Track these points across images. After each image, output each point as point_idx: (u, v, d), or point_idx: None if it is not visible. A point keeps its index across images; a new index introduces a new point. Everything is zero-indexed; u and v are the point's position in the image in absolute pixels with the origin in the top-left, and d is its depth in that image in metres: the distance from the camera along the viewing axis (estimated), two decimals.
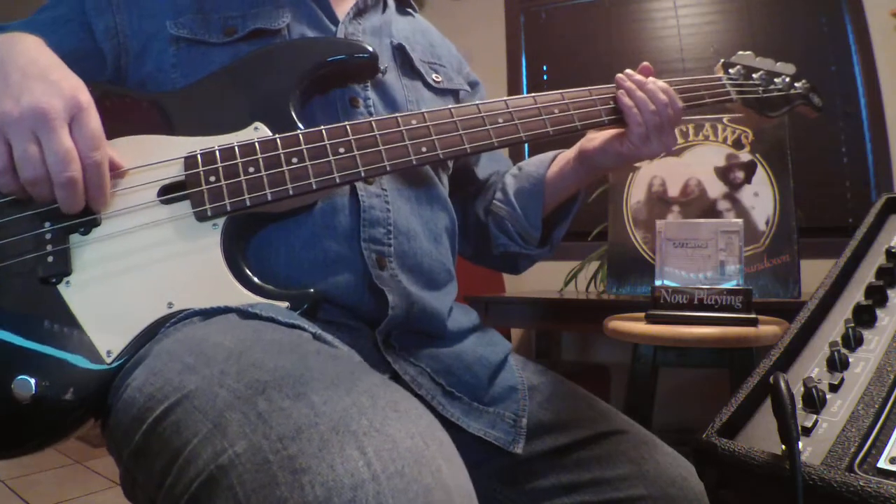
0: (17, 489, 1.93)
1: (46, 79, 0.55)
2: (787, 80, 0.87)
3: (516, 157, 0.87)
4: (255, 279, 0.58)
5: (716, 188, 1.31)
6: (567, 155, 0.83)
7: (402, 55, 0.77)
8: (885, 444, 0.37)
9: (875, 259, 0.54)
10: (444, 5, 2.76)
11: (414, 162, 0.63)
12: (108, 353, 0.53)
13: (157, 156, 0.60)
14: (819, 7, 2.20)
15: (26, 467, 2.10)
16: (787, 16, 2.25)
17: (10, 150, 0.53)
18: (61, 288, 0.55)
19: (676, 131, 0.80)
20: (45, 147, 0.53)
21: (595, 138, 0.79)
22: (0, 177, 0.54)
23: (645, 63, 0.78)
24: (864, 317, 0.48)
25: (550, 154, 0.85)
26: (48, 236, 0.56)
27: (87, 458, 2.22)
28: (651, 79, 0.76)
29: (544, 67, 2.66)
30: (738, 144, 1.31)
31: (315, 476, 0.35)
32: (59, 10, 0.68)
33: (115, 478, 2.01)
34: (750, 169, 1.29)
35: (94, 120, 0.55)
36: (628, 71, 0.77)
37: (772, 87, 0.86)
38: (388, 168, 0.62)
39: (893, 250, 0.53)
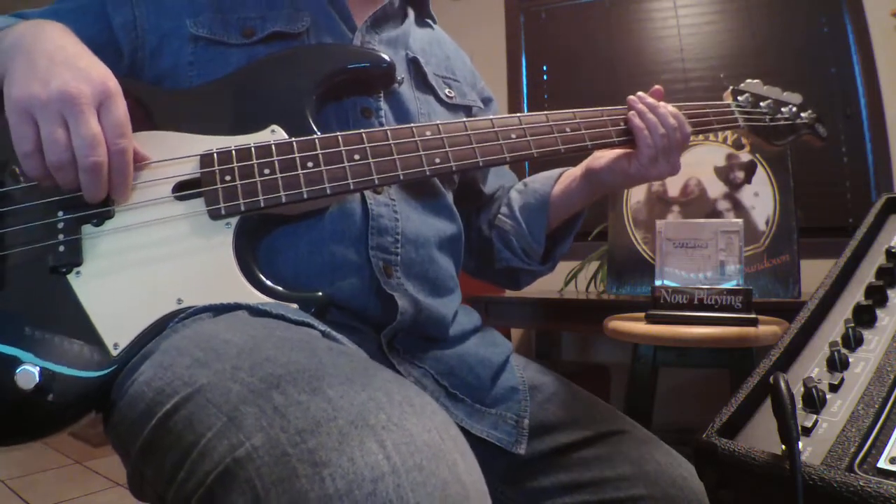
0: (17, 489, 1.93)
1: (75, 65, 0.55)
2: (794, 109, 0.89)
3: (517, 173, 0.88)
4: (266, 280, 0.59)
5: (716, 188, 1.31)
6: (573, 173, 0.84)
7: (416, 69, 0.77)
8: (885, 444, 0.37)
9: (875, 259, 0.54)
10: (444, 5, 2.76)
11: (427, 172, 0.63)
12: (115, 345, 0.53)
13: (173, 152, 0.60)
14: (819, 7, 2.20)
15: (26, 467, 2.10)
16: (787, 16, 2.25)
17: (38, 133, 0.53)
18: (71, 278, 0.55)
19: None
20: (73, 131, 0.53)
21: (602, 157, 0.80)
22: (28, 159, 0.54)
23: (657, 87, 0.80)
24: (864, 317, 0.48)
25: (556, 171, 0.86)
26: (60, 225, 0.56)
27: (87, 458, 2.22)
28: (662, 103, 0.77)
29: (544, 67, 2.66)
30: (738, 144, 1.31)
31: (336, 469, 0.35)
32: (79, 0, 0.67)
33: (115, 478, 2.01)
34: (750, 169, 1.30)
35: (121, 107, 0.55)
36: (640, 94, 0.79)
37: (779, 116, 0.88)
38: (401, 177, 0.62)
39: (893, 250, 0.53)
